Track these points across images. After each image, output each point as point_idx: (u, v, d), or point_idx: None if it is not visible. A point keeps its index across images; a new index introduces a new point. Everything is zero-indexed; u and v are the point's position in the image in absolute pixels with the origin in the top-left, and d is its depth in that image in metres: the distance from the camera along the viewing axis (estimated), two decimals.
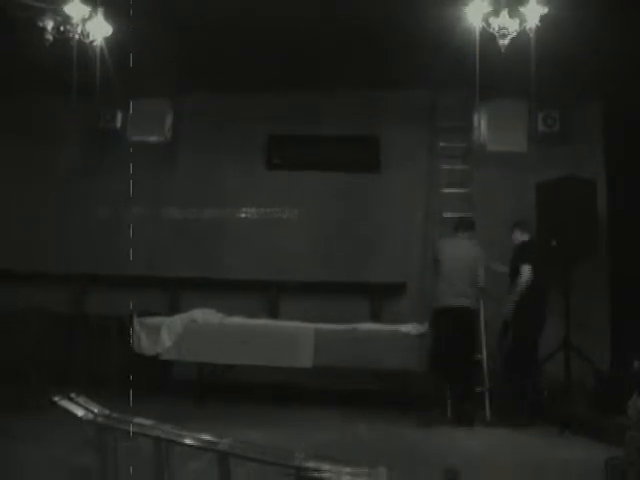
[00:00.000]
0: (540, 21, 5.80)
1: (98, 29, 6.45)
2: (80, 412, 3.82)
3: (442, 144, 8.97)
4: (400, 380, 7.55)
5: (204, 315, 8.24)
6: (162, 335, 7.87)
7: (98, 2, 6.28)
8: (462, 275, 7.24)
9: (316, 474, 2.85)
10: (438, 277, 7.39)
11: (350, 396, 7.82)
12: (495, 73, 7.14)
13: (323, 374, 7.86)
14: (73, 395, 3.97)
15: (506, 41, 5.86)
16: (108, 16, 6.46)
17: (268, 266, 9.17)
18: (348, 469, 2.85)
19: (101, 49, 6.70)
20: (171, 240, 9.39)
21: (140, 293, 8.85)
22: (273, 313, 8.94)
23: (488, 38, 6.02)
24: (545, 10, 5.77)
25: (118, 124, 9.48)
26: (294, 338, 7.74)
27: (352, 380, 7.93)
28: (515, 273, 7.35)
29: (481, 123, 9.11)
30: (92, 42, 6.49)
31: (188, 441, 3.37)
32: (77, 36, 6.35)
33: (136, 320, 8.04)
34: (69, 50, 6.53)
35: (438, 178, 8.88)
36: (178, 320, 8.03)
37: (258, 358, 7.63)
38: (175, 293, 9.18)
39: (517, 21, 5.86)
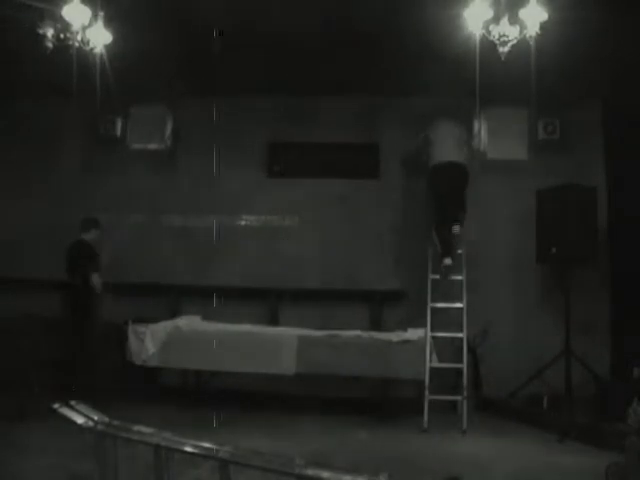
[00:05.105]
0: (540, 28, 5.80)
1: (98, 36, 6.45)
2: (80, 419, 3.81)
3: None
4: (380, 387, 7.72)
5: (188, 322, 8.22)
6: (146, 342, 7.86)
7: (98, 9, 6.28)
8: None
9: None
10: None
11: (343, 403, 7.81)
12: (495, 80, 7.15)
13: (312, 381, 7.84)
14: (73, 402, 3.96)
15: (506, 48, 5.87)
16: (108, 23, 6.46)
17: (268, 273, 9.15)
18: (348, 476, 2.84)
19: (101, 56, 6.70)
20: (171, 247, 9.37)
21: (140, 300, 8.84)
22: (273, 320, 8.91)
23: (488, 46, 6.02)
24: (545, 17, 5.77)
25: (118, 131, 9.45)
26: (277, 345, 7.68)
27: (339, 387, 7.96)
28: None
29: (481, 131, 9.11)
30: (92, 49, 6.49)
31: (189, 449, 3.36)
32: (77, 43, 6.35)
33: (130, 327, 8.03)
34: (69, 57, 6.53)
35: None
36: (162, 327, 8.01)
37: (241, 365, 7.57)
38: (175, 300, 9.15)
39: (517, 28, 5.86)
